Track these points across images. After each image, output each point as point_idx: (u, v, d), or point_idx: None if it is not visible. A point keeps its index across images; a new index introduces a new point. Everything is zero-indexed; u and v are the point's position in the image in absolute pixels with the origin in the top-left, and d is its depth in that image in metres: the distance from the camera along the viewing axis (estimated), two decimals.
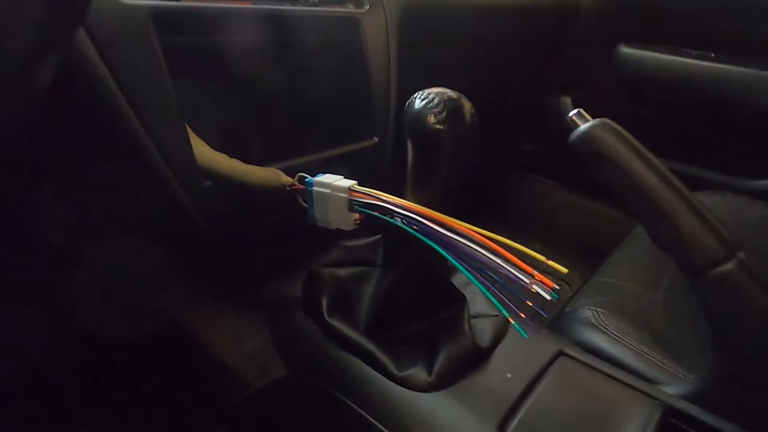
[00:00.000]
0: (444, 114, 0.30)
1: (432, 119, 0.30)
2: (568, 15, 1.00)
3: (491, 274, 0.30)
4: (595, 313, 0.51)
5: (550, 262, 0.30)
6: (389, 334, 0.42)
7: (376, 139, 0.59)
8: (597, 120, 0.37)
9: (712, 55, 0.88)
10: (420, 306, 0.42)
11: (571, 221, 1.15)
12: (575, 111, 0.38)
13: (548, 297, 0.27)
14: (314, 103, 0.55)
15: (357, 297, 0.45)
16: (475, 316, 0.43)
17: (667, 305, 0.56)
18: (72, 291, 0.47)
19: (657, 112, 0.99)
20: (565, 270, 0.28)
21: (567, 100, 1.13)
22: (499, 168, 1.28)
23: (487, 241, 0.30)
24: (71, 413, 0.52)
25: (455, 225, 0.32)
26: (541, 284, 0.27)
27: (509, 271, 0.28)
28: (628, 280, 0.60)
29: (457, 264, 0.31)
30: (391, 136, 0.61)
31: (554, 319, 0.55)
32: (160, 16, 0.38)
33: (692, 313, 0.54)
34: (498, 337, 0.40)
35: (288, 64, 0.51)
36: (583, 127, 0.37)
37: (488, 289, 0.30)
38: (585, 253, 1.10)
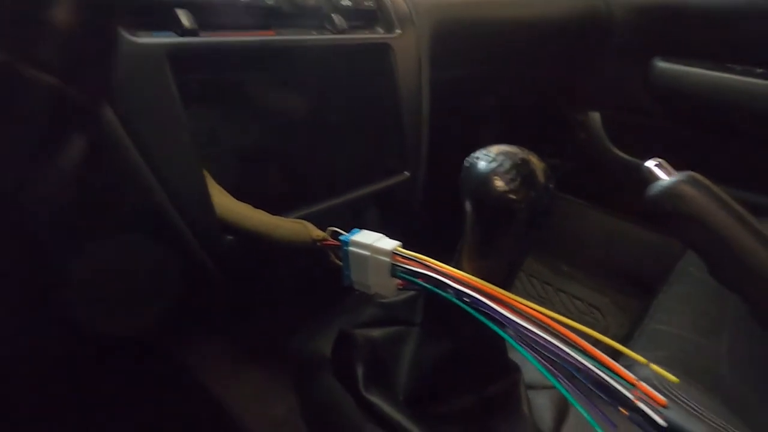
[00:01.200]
0: (518, 181, 0.25)
1: (501, 185, 0.25)
2: (600, 27, 0.95)
3: (571, 369, 0.25)
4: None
5: (631, 353, 0.25)
6: (433, 410, 0.37)
7: (408, 174, 0.54)
8: (683, 174, 0.32)
9: (759, 71, 0.82)
10: (469, 377, 0.37)
11: (602, 243, 1.10)
12: (655, 162, 0.33)
13: (661, 422, 0.21)
14: (342, 137, 0.50)
15: (395, 363, 0.40)
16: (530, 387, 0.38)
17: (734, 357, 0.50)
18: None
19: (694, 130, 0.93)
20: (675, 379, 0.23)
21: (596, 116, 1.08)
22: None
23: (566, 330, 0.25)
24: None
25: (524, 308, 0.27)
26: (646, 398, 0.22)
27: (599, 375, 0.23)
28: (685, 327, 0.55)
29: (526, 354, 0.26)
30: (423, 170, 0.56)
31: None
32: (177, 54, 0.33)
33: (764, 364, 0.48)
34: (560, 417, 0.35)
35: (315, 98, 0.47)
36: (668, 182, 0.31)
37: (570, 392, 0.25)
38: (614, 277, 1.04)
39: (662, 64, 0.92)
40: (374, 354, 0.39)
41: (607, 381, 0.23)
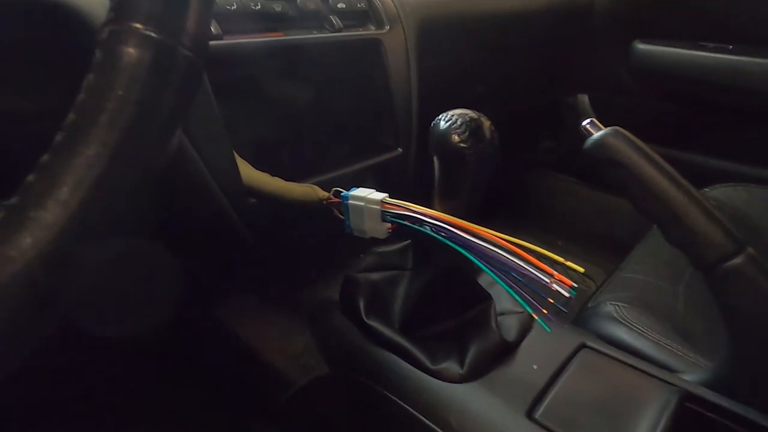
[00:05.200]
0: (466, 134, 0.33)
1: (455, 138, 0.34)
2: (582, 14, 1.02)
3: (515, 275, 0.33)
4: (617, 307, 0.54)
5: (568, 263, 0.33)
6: (422, 332, 0.46)
7: (401, 150, 0.63)
8: (609, 129, 0.40)
9: (731, 47, 0.89)
10: (449, 306, 0.46)
11: (592, 217, 1.17)
12: (588, 120, 0.41)
13: (567, 294, 0.30)
14: (342, 120, 0.59)
15: (390, 299, 0.49)
16: (502, 314, 0.46)
17: (689, 298, 0.58)
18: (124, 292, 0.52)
19: (675, 106, 1.00)
20: (581, 269, 0.31)
21: (584, 98, 1.14)
22: (521, 167, 1.30)
23: (510, 245, 0.34)
24: (111, 408, 0.58)
25: (480, 231, 0.35)
26: (560, 283, 0.30)
27: (531, 271, 0.31)
28: (650, 274, 0.62)
29: (483, 266, 0.35)
30: (414, 147, 0.64)
31: (577, 315, 0.58)
32: (212, 56, 0.43)
33: (712, 302, 0.56)
34: (523, 332, 0.44)
35: (318, 87, 0.56)
36: (597, 135, 0.39)
37: (512, 288, 0.33)
38: (608, 249, 1.11)
39: (641, 46, 0.99)
40: (374, 291, 0.48)
41: (535, 274, 0.31)
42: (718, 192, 0.80)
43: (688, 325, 0.52)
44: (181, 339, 0.62)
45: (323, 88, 0.57)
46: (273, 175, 0.48)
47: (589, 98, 1.14)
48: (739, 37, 0.87)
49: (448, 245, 0.37)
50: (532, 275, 0.31)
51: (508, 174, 1.27)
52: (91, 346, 0.53)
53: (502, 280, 0.33)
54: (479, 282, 0.46)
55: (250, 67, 0.49)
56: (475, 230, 0.36)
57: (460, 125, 0.34)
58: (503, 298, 0.48)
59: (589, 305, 0.58)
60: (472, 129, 0.34)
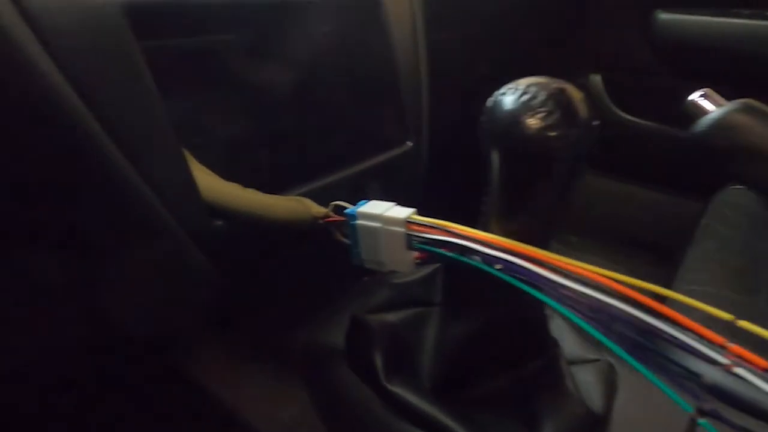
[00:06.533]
0: (556, 115, 0.20)
1: (536, 122, 0.21)
2: None
3: (642, 340, 0.21)
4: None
5: (710, 308, 0.21)
6: (465, 396, 0.33)
7: (410, 144, 0.49)
8: (736, 102, 0.27)
9: None
10: (502, 357, 0.33)
11: (611, 210, 1.06)
12: (700, 92, 0.28)
13: (765, 387, 0.17)
14: (335, 107, 0.46)
15: (416, 348, 0.36)
16: (571, 362, 0.34)
17: None
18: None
19: (707, 85, 0.89)
20: (730, 317, 0.19)
21: (597, 79, 1.03)
22: None
23: (630, 290, 0.21)
24: None
25: (574, 268, 0.22)
26: (741, 361, 0.18)
27: (685, 342, 0.19)
28: (719, 286, 0.51)
29: (583, 324, 0.22)
30: (427, 139, 0.51)
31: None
32: (137, 14, 0.29)
33: None
34: (609, 392, 0.31)
35: (301, 63, 0.42)
36: (718, 113, 0.27)
37: (642, 362, 0.21)
38: (630, 245, 1.01)
39: (665, 16, 0.88)
40: (393, 340, 0.35)
41: (688, 343, 0.19)
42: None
43: None
44: (143, 394, 0.47)
45: (309, 66, 0.43)
46: (247, 185, 0.34)
47: (603, 79, 1.02)
48: None
49: (512, 284, 0.24)
50: (685, 345, 0.19)
51: None
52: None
53: (630, 353, 0.20)
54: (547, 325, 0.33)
55: (204, 36, 0.35)
56: (561, 265, 0.23)
57: (544, 102, 0.21)
58: (569, 341, 0.36)
59: None
60: (564, 107, 0.21)
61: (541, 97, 0.21)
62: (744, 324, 0.18)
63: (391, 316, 0.36)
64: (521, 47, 0.88)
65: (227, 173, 0.34)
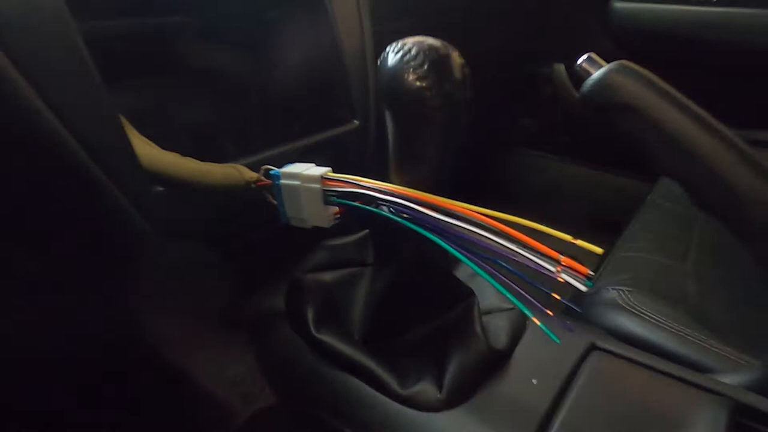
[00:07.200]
0: (426, 67, 0.23)
1: (411, 76, 0.24)
2: None
3: (503, 264, 0.24)
4: (620, 292, 0.45)
5: (578, 241, 0.24)
6: (389, 344, 0.36)
7: (357, 123, 0.52)
8: (613, 63, 0.30)
9: (714, 0, 0.81)
10: (422, 307, 0.36)
11: (577, 194, 1.09)
12: (585, 57, 0.31)
13: (582, 287, 0.20)
14: (283, 88, 0.48)
15: (348, 304, 0.38)
16: (487, 312, 0.37)
17: (700, 277, 0.50)
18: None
19: (660, 69, 0.92)
20: (599, 250, 0.21)
21: (561, 68, 1.06)
22: (495, 146, 1.22)
23: (494, 222, 0.24)
24: None
25: (452, 207, 0.25)
26: (569, 271, 0.21)
27: (527, 257, 0.22)
28: (651, 251, 0.54)
29: (459, 255, 0.25)
30: (373, 119, 0.54)
31: (573, 303, 0.49)
32: None
33: (731, 283, 0.48)
34: (516, 335, 0.34)
35: (248, 47, 0.45)
36: (598, 73, 0.30)
37: (501, 282, 0.23)
38: (596, 227, 1.04)
39: (619, 5, 0.91)
40: (326, 296, 0.38)
41: (533, 261, 0.22)
42: None
43: (707, 309, 0.44)
44: (103, 362, 0.50)
45: (257, 49, 0.46)
46: (201, 159, 0.37)
47: (566, 67, 1.05)
48: None
49: (413, 229, 0.27)
50: (528, 262, 0.22)
51: (483, 152, 1.19)
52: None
53: (486, 271, 0.23)
54: (458, 274, 0.36)
55: (148, 16, 0.38)
56: (446, 206, 0.26)
57: (417, 56, 0.24)
58: (488, 293, 0.39)
59: (588, 291, 0.49)
60: (435, 61, 0.24)
61: (418, 55, 0.24)
62: (580, 242, 0.21)
63: (327, 275, 0.39)
64: (483, 40, 0.91)
65: (183, 149, 0.36)
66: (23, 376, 0.44)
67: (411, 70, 0.24)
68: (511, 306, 0.37)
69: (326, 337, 0.35)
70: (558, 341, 0.23)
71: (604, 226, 1.02)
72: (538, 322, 0.23)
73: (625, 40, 0.93)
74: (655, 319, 0.40)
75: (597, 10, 0.94)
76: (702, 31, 0.82)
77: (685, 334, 0.38)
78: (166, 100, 0.43)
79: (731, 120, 0.83)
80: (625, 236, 0.59)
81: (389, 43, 0.58)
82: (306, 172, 0.32)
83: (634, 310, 0.42)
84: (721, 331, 0.39)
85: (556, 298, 0.23)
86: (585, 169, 1.08)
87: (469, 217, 0.24)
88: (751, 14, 0.76)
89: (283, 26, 0.47)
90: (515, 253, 0.22)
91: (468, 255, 0.24)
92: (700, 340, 0.37)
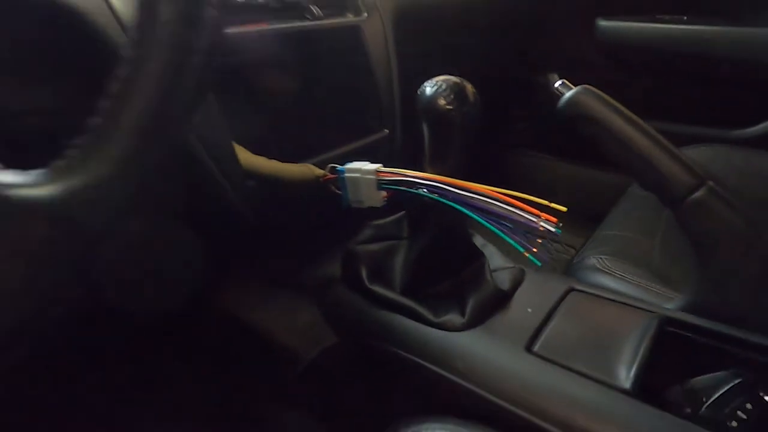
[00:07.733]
0: (452, 96, 0.37)
1: (442, 102, 0.37)
2: None
3: (506, 222, 0.37)
4: (600, 259, 0.58)
5: (552, 204, 0.36)
6: (422, 294, 0.48)
7: (386, 131, 0.66)
8: (579, 87, 0.43)
9: (684, 18, 0.94)
10: (446, 267, 0.49)
11: (570, 191, 1.22)
12: (559, 82, 0.45)
13: (553, 230, 0.33)
14: (329, 105, 0.62)
15: (390, 267, 0.51)
16: (495, 270, 0.50)
17: (664, 248, 0.63)
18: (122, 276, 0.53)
19: (640, 77, 1.05)
20: (563, 208, 0.34)
21: (554, 76, 1.19)
22: (498, 148, 1.35)
23: (499, 194, 0.37)
24: (119, 391, 0.58)
25: (471, 186, 0.38)
26: (547, 221, 0.34)
27: (520, 215, 0.35)
28: (627, 230, 0.67)
29: (476, 217, 0.38)
30: (399, 127, 0.67)
31: (564, 270, 0.61)
32: None
33: (688, 252, 0.61)
34: (516, 283, 0.47)
35: (304, 74, 0.58)
36: (568, 94, 0.43)
37: (506, 233, 0.36)
38: (588, 218, 1.16)
39: (604, 23, 1.04)
40: (374, 261, 0.51)
41: (524, 217, 0.35)
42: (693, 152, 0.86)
43: (665, 269, 0.57)
44: (190, 325, 0.63)
45: (310, 75, 0.59)
46: (270, 158, 0.50)
47: (560, 76, 1.18)
48: (692, 9, 0.93)
49: (444, 203, 0.40)
50: (521, 219, 0.35)
51: (484, 155, 1.32)
52: (104, 332, 0.54)
53: (495, 227, 0.36)
54: (473, 242, 0.49)
55: (238, 57, 0.51)
56: (466, 186, 0.39)
57: (446, 89, 0.37)
58: (495, 257, 0.52)
59: (574, 261, 0.62)
60: (457, 92, 0.37)
61: (445, 86, 0.37)
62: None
63: (373, 246, 0.52)
64: (486, 54, 1.05)
65: (256, 153, 0.50)
66: (133, 328, 0.57)
67: (442, 98, 0.37)
68: (513, 265, 0.50)
69: (376, 288, 0.48)
70: (539, 264, 0.36)
71: (594, 215, 1.15)
72: (527, 254, 0.36)
73: (609, 51, 1.06)
74: (622, 275, 0.53)
75: (585, 27, 1.07)
76: (673, 45, 0.95)
77: (643, 284, 0.51)
78: (248, 118, 0.56)
79: (697, 118, 0.95)
80: (608, 219, 0.72)
81: (412, 63, 0.71)
82: (364, 167, 0.45)
83: (608, 271, 0.55)
84: (670, 281, 0.52)
85: (538, 242, 0.36)
86: (575, 167, 1.21)
87: (482, 192, 0.37)
88: (713, 31, 0.89)
89: (331, 57, 0.61)
90: (512, 213, 0.35)
91: (482, 216, 0.37)
92: (652, 287, 0.50)
